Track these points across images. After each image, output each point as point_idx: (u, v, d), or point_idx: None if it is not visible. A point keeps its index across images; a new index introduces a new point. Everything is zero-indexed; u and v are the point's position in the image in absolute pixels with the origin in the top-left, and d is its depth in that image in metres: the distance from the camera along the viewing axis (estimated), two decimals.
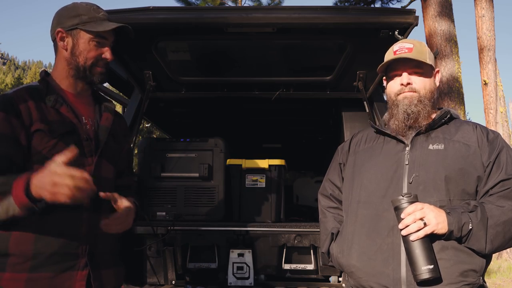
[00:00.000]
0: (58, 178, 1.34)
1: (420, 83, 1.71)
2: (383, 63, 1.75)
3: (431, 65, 1.73)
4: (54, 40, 1.70)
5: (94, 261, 1.61)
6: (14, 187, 1.39)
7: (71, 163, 1.51)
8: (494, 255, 9.37)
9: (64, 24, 1.66)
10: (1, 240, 1.50)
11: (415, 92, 1.70)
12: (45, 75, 1.69)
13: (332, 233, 1.77)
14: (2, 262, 1.50)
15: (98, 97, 1.80)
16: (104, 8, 1.78)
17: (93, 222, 1.62)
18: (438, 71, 1.76)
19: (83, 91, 1.73)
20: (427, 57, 1.71)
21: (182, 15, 2.77)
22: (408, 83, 1.71)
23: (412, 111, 1.67)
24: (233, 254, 3.03)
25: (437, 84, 1.76)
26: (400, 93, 1.71)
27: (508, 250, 9.92)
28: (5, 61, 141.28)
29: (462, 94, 7.38)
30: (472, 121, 1.81)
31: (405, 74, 1.71)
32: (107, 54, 1.70)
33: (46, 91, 1.62)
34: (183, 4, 12.29)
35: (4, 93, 1.59)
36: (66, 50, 1.67)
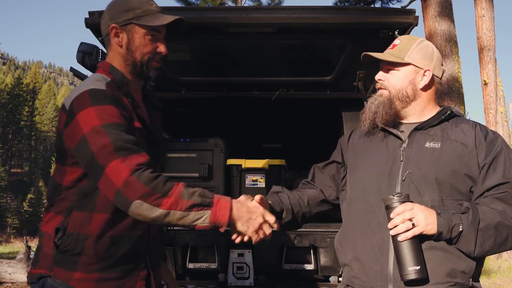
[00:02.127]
0: (266, 226, 1.52)
1: (391, 81, 1.68)
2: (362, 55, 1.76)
3: (413, 64, 1.66)
4: (106, 35, 1.63)
5: (151, 261, 1.64)
6: (216, 205, 1.43)
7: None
8: (494, 255, 9.36)
9: (118, 19, 1.59)
10: (78, 240, 1.49)
11: (385, 89, 1.69)
12: (120, 72, 1.61)
13: (274, 192, 1.79)
14: (74, 261, 1.48)
15: (146, 94, 1.74)
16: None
17: (151, 224, 1.63)
18: (426, 71, 1.66)
19: (137, 88, 1.68)
20: (406, 55, 1.65)
21: (182, 15, 2.77)
22: (380, 79, 1.71)
23: (371, 111, 1.67)
24: (233, 254, 3.03)
25: (422, 84, 1.65)
26: (377, 88, 1.74)
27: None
28: (5, 61, 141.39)
29: (462, 94, 7.38)
30: (473, 120, 1.75)
31: (380, 71, 1.72)
32: (162, 48, 1.64)
33: (124, 89, 1.57)
34: (183, 4, 12.29)
35: (94, 88, 1.49)
36: (121, 46, 1.60)
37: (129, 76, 1.63)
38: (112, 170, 1.38)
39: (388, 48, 1.73)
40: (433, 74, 1.67)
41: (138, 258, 1.59)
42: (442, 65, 1.73)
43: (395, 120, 1.68)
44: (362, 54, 1.74)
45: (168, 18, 1.62)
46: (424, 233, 1.46)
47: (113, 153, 1.39)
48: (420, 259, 1.45)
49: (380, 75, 1.71)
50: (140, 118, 1.58)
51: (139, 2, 1.61)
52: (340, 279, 3.11)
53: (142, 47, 1.60)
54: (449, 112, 1.66)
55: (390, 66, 1.69)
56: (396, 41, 1.73)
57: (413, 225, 1.45)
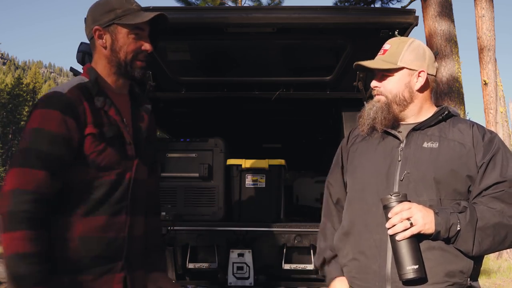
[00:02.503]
0: None
1: (387, 87, 1.67)
2: (355, 65, 1.76)
3: (407, 68, 1.65)
4: (91, 38, 1.65)
5: (130, 264, 1.61)
6: None
7: (115, 167, 1.55)
8: (494, 255, 9.35)
9: (100, 21, 1.61)
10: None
11: (382, 95, 1.68)
12: (95, 72, 1.63)
13: (325, 258, 1.77)
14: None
15: (134, 95, 1.75)
16: None
17: (131, 225, 1.62)
18: (421, 72, 1.66)
19: (123, 89, 1.69)
20: (399, 59, 1.65)
21: (182, 15, 2.78)
22: (376, 87, 1.71)
23: (370, 117, 1.67)
24: (233, 254, 3.03)
25: (418, 86, 1.66)
26: (374, 95, 1.74)
27: (508, 250, 9.92)
28: (5, 61, 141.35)
29: (462, 94, 7.38)
30: (471, 120, 1.75)
31: (374, 80, 1.71)
32: (146, 45, 1.64)
33: (96, 90, 1.58)
34: (183, 4, 12.28)
35: (56, 91, 1.53)
36: (106, 47, 1.62)
37: (113, 77, 1.64)
38: (8, 176, 1.42)
39: (379, 54, 1.72)
40: (427, 74, 1.67)
41: (112, 261, 1.56)
42: (434, 62, 1.73)
43: (394, 122, 1.69)
44: (354, 64, 1.74)
45: (149, 15, 1.62)
46: (422, 232, 1.46)
47: (18, 159, 1.43)
48: (418, 258, 1.45)
49: (375, 83, 1.71)
50: (107, 119, 1.57)
51: (120, 2, 1.62)
52: None
53: (126, 46, 1.61)
54: (446, 112, 1.66)
55: (384, 72, 1.69)
56: (386, 46, 1.71)
57: (411, 224, 1.45)
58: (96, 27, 1.61)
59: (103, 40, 1.62)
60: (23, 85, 62.20)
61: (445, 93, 7.22)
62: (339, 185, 1.83)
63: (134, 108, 1.71)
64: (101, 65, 1.64)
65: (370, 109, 1.69)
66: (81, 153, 1.51)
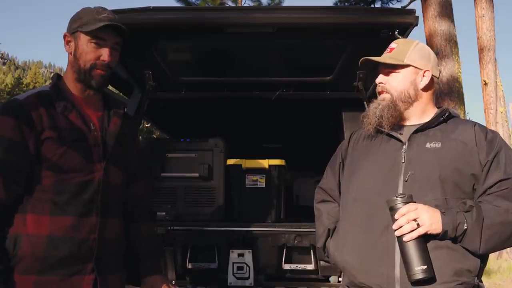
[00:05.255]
0: None
1: (392, 84, 1.69)
2: (360, 62, 1.77)
3: (413, 66, 1.68)
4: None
5: (101, 266, 1.61)
6: None
7: (80, 169, 1.57)
8: (494, 255, 9.36)
9: (69, 28, 1.68)
10: (16, 240, 1.51)
11: (387, 92, 1.70)
12: (57, 79, 1.69)
13: (329, 229, 1.77)
14: (12, 263, 1.50)
15: (108, 101, 1.78)
16: (106, 8, 1.74)
17: (102, 227, 1.63)
18: (426, 71, 1.69)
19: (92, 95, 1.71)
20: (405, 57, 1.68)
21: (182, 15, 2.78)
22: (381, 83, 1.72)
23: (376, 116, 1.68)
24: (233, 254, 3.02)
25: (422, 85, 1.68)
26: (378, 92, 1.74)
27: (508, 250, 9.91)
28: (5, 61, 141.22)
29: (462, 94, 7.38)
30: (471, 120, 1.77)
31: (380, 74, 1.73)
32: (105, 55, 1.64)
33: (57, 96, 1.62)
34: (183, 4, 12.28)
35: (14, 98, 1.60)
36: (71, 53, 1.67)
37: (76, 83, 1.68)
38: None
39: (385, 52, 1.75)
40: (432, 74, 1.69)
41: (82, 262, 1.57)
42: (438, 65, 1.76)
43: (398, 122, 1.70)
44: (361, 59, 1.75)
45: (101, 23, 1.63)
46: (429, 232, 1.47)
47: None
48: (426, 258, 1.46)
49: (380, 78, 1.72)
50: (68, 123, 1.60)
51: (89, 12, 1.67)
52: (340, 279, 3.11)
53: (85, 54, 1.64)
54: (447, 113, 1.68)
55: (390, 68, 1.71)
56: (393, 45, 1.75)
57: (418, 225, 1.46)
58: (65, 33, 1.68)
59: (69, 46, 1.67)
60: (23, 85, 62.08)
61: (445, 93, 7.21)
62: (334, 185, 1.84)
63: (107, 113, 1.74)
64: (68, 71, 1.70)
65: (376, 108, 1.70)
66: (41, 157, 1.54)
